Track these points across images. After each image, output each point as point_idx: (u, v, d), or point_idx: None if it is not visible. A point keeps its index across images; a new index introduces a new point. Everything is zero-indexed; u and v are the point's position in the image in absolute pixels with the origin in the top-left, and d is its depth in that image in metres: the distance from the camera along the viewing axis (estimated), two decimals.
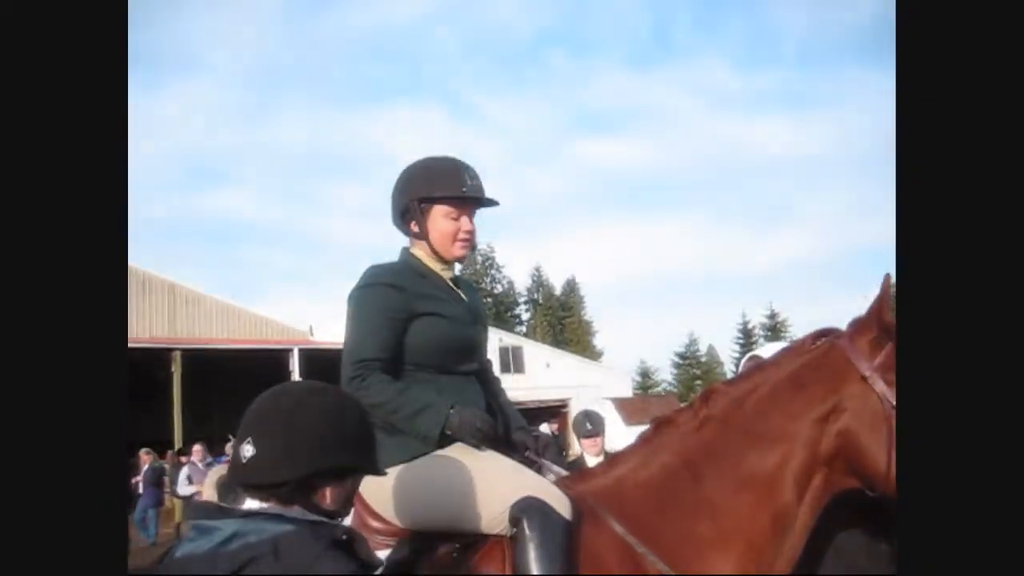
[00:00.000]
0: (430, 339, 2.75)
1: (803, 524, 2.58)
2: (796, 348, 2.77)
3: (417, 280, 2.81)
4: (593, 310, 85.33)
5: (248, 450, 1.91)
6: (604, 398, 31.91)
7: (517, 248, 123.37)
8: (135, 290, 24.27)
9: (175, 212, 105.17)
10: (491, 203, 2.97)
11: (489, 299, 74.84)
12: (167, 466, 18.61)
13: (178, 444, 21.67)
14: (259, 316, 28.15)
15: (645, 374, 73.29)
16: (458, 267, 3.13)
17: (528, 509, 2.42)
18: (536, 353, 42.75)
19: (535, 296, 79.15)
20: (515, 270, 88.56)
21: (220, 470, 12.76)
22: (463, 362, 2.84)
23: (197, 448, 16.21)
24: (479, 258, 76.53)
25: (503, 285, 78.38)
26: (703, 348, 75.25)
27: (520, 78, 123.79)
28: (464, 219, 2.88)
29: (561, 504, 2.50)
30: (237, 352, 25.15)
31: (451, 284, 2.94)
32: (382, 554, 2.46)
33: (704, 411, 2.69)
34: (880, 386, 2.49)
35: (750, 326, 72.01)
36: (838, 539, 2.98)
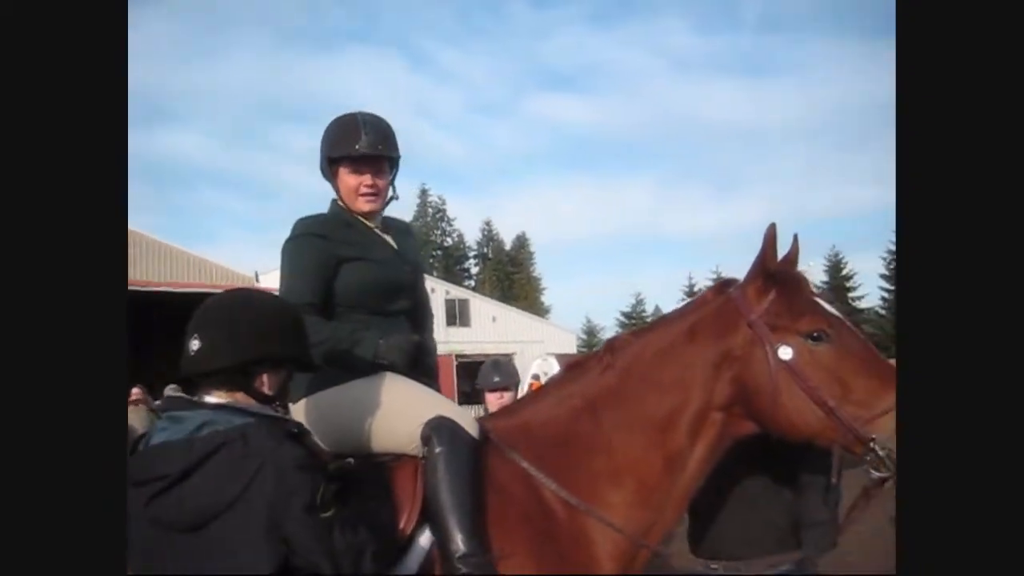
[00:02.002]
0: (357, 282, 2.91)
1: (697, 467, 2.75)
2: (699, 301, 2.92)
3: (342, 229, 2.97)
4: (542, 266, 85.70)
5: (195, 344, 2.19)
6: (549, 353, 32.16)
7: (469, 201, 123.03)
8: None
9: None
10: (388, 157, 3.03)
11: (439, 252, 74.69)
12: None
13: None
14: (204, 260, 27.64)
15: (591, 332, 73.84)
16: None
17: (438, 427, 2.60)
18: (483, 307, 42.90)
19: (485, 250, 79.11)
20: (466, 223, 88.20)
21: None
22: (391, 302, 3.00)
23: (136, 390, 16.03)
24: (429, 210, 76.09)
25: (453, 238, 78.21)
26: (649, 308, 76.01)
27: (479, 28, 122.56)
28: (367, 175, 2.98)
29: (470, 425, 2.68)
30: (181, 296, 24.68)
31: (378, 231, 3.08)
32: None
33: (608, 358, 2.85)
34: (763, 331, 2.62)
35: (696, 288, 72.89)
36: (750, 489, 3.13)
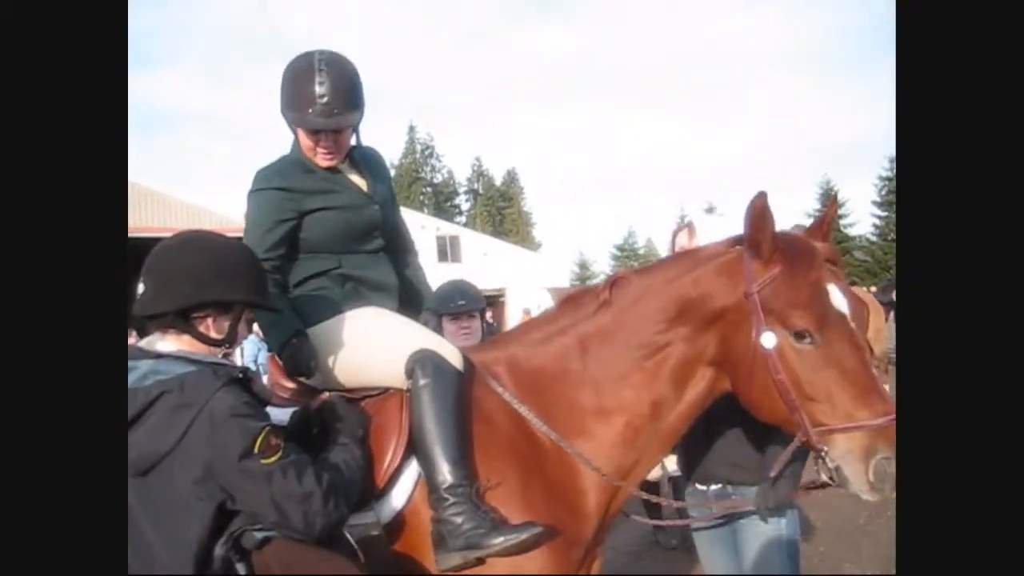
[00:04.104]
0: (324, 231, 2.89)
1: (685, 413, 2.72)
2: (710, 251, 2.74)
3: (303, 177, 2.89)
4: (533, 201, 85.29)
5: (140, 288, 2.20)
6: (542, 287, 32.25)
7: (457, 136, 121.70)
8: None
9: None
10: (347, 126, 2.89)
11: (429, 188, 74.13)
12: None
13: None
14: (193, 205, 27.40)
15: (583, 265, 73.86)
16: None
17: (422, 360, 2.60)
18: (474, 242, 42.74)
19: (475, 186, 78.53)
20: (455, 159, 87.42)
21: None
22: (364, 243, 2.98)
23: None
24: (418, 147, 75.32)
25: (443, 174, 77.55)
26: (641, 240, 76.04)
27: None
28: (324, 138, 2.85)
29: (454, 357, 2.69)
30: None
31: (342, 169, 2.99)
32: (292, 411, 2.61)
33: (606, 295, 2.76)
34: (755, 308, 2.49)
35: (688, 220, 72.12)
36: (736, 422, 3.08)
